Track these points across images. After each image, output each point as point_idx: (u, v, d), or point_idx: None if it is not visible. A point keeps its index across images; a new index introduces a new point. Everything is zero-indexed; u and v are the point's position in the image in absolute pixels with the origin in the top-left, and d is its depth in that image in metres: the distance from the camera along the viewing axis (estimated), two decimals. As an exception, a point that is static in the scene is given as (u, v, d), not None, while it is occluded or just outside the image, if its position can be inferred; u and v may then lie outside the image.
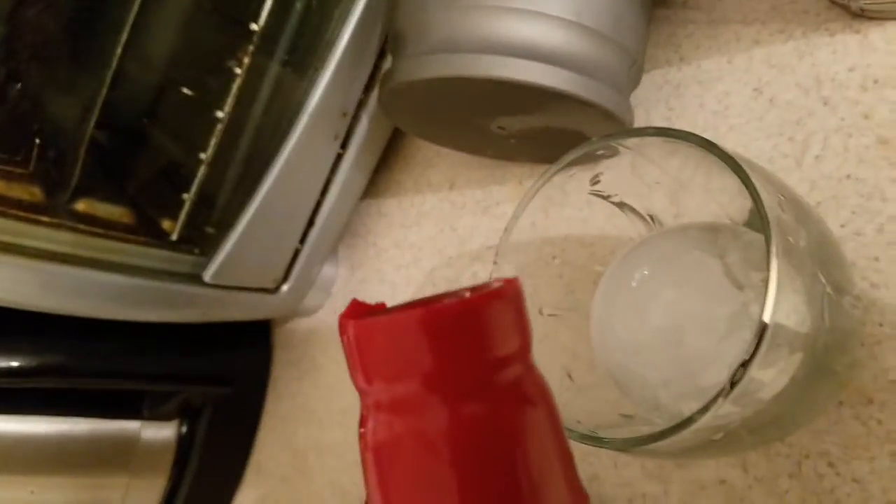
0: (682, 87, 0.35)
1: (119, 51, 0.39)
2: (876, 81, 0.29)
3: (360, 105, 0.43)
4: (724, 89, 0.33)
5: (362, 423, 0.14)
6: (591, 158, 0.24)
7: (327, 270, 0.52)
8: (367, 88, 0.42)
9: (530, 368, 0.14)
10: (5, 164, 0.39)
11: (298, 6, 0.39)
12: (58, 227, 0.37)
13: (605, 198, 0.27)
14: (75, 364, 0.43)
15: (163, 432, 0.51)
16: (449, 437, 0.13)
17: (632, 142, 0.23)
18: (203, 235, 0.42)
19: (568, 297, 0.28)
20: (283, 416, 0.54)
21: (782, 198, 0.21)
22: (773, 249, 0.19)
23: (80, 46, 0.41)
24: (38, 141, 0.39)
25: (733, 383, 0.19)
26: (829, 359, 0.23)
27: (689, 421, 0.19)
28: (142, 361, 0.46)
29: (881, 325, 0.27)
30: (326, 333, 0.53)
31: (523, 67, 0.28)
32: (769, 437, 0.24)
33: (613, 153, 0.24)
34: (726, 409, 0.20)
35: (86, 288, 0.37)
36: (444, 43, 0.29)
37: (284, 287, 0.46)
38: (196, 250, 0.41)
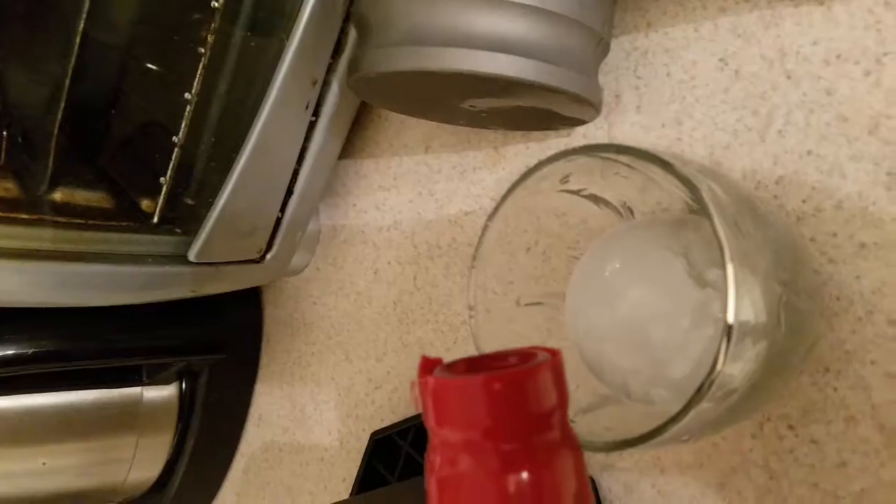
0: (650, 54, 0.35)
1: (80, 29, 0.38)
2: (838, 56, 0.29)
3: (329, 71, 0.42)
4: (691, 58, 0.33)
5: (430, 454, 0.18)
6: (559, 161, 0.25)
7: (310, 231, 0.52)
8: (335, 54, 0.42)
9: (566, 424, 0.18)
10: (-26, 160, 0.39)
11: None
12: (38, 223, 0.37)
13: (576, 192, 0.27)
14: (71, 348, 0.44)
15: (164, 392, 0.54)
16: (498, 476, 0.17)
17: (599, 155, 0.23)
18: (184, 214, 0.42)
19: (544, 286, 0.29)
20: (279, 371, 0.57)
21: (742, 206, 0.22)
22: (729, 260, 0.20)
23: (40, 25, 0.40)
24: (5, 132, 0.38)
25: (706, 386, 0.20)
26: (790, 341, 0.25)
27: (660, 430, 0.21)
28: (136, 338, 0.48)
29: (838, 298, 0.28)
30: (314, 292, 0.54)
31: (487, 60, 0.28)
32: (739, 418, 0.26)
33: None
34: (702, 407, 0.21)
35: (72, 281, 0.38)
36: (409, 35, 0.29)
37: (269, 255, 0.47)
38: (178, 230, 0.42)
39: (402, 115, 0.48)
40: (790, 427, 0.29)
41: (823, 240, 0.28)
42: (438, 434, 0.17)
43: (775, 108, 0.30)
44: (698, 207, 0.24)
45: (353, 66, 0.33)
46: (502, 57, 0.29)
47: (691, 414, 0.21)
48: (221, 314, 0.53)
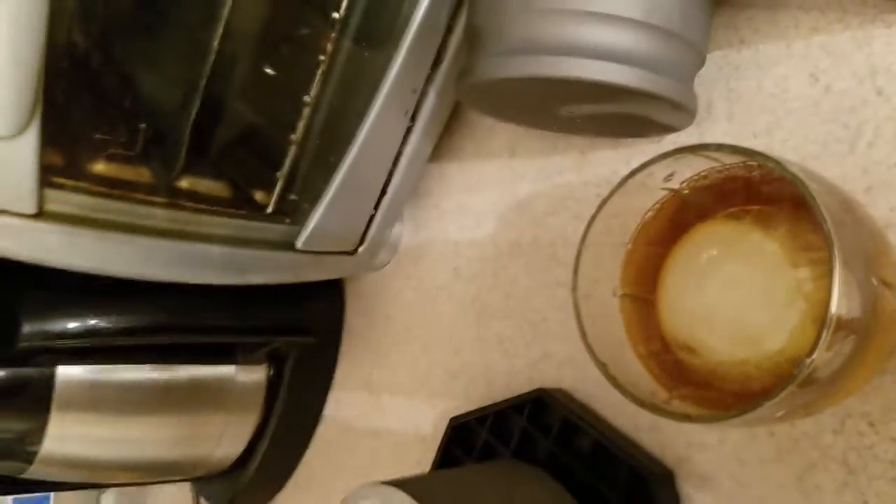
0: (742, 68, 0.37)
1: (218, 38, 0.42)
2: (929, 74, 0.31)
3: (428, 81, 0.46)
4: (783, 73, 0.35)
5: None
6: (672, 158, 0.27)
7: (395, 230, 0.56)
8: (435, 65, 0.45)
9: None
10: (114, 147, 0.43)
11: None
12: (167, 206, 0.41)
13: (676, 191, 0.30)
14: (178, 322, 0.48)
15: (254, 375, 0.57)
16: None
17: (711, 154, 0.26)
18: (293, 206, 0.46)
19: (638, 278, 0.32)
20: (358, 360, 0.60)
21: (842, 206, 0.24)
22: (836, 253, 0.22)
23: (179, 36, 0.44)
24: (143, 125, 0.43)
25: (802, 370, 0.23)
26: (876, 338, 0.27)
27: (752, 406, 0.23)
28: (235, 317, 0.52)
29: (921, 301, 0.30)
30: (394, 286, 0.58)
31: (597, 68, 0.31)
32: (821, 407, 0.27)
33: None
34: (795, 389, 0.23)
35: (193, 259, 0.42)
36: (523, 44, 0.32)
37: (361, 248, 0.51)
38: (287, 220, 0.46)
39: (490, 122, 0.51)
40: (871, 424, 0.31)
41: (911, 246, 0.30)
42: None
43: (865, 121, 0.32)
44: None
45: (466, 72, 0.36)
46: (611, 65, 0.31)
47: (783, 395, 0.23)
48: (309, 302, 0.57)
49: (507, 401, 0.44)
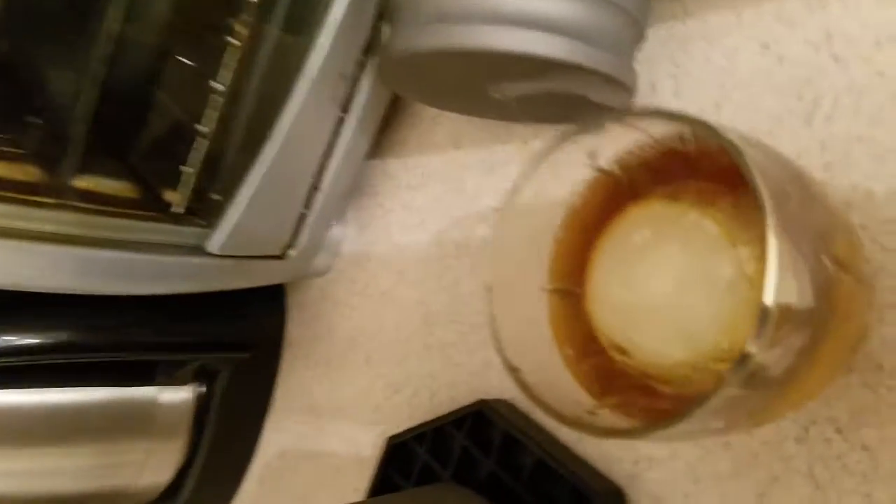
0: (688, 42, 0.33)
1: (118, 22, 0.38)
2: (890, 38, 0.27)
3: (361, 67, 0.42)
4: (732, 45, 0.32)
5: None
6: (591, 132, 0.24)
7: (336, 232, 0.51)
8: (367, 50, 0.41)
9: None
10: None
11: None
12: (60, 207, 0.37)
13: (607, 171, 0.26)
14: (87, 339, 0.44)
15: (180, 395, 0.52)
16: None
17: (632, 121, 0.22)
18: (208, 207, 0.42)
19: (568, 269, 0.28)
20: (299, 375, 0.55)
21: (791, 180, 0.21)
22: (770, 228, 0.19)
23: (76, 18, 0.40)
24: (32, 119, 0.38)
25: (736, 371, 0.19)
26: (834, 330, 0.23)
27: (685, 416, 0.19)
28: (154, 332, 0.47)
29: (893, 288, 0.26)
30: (338, 293, 0.53)
31: (520, 38, 0.27)
32: (772, 416, 0.24)
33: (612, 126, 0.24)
34: (733, 393, 0.20)
35: (93, 267, 0.38)
36: (437, 14, 0.28)
37: (292, 252, 0.47)
38: (202, 222, 0.41)
39: (433, 113, 0.47)
40: (838, 431, 0.27)
41: (876, 227, 0.27)
42: None
43: (822, 92, 0.29)
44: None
45: (384, 49, 0.32)
46: (533, 35, 0.28)
47: (718, 397, 0.19)
48: (244, 313, 0.52)
49: (446, 416, 0.40)
